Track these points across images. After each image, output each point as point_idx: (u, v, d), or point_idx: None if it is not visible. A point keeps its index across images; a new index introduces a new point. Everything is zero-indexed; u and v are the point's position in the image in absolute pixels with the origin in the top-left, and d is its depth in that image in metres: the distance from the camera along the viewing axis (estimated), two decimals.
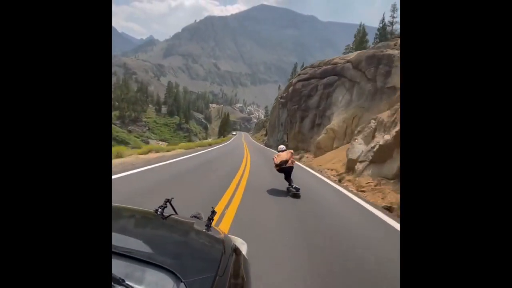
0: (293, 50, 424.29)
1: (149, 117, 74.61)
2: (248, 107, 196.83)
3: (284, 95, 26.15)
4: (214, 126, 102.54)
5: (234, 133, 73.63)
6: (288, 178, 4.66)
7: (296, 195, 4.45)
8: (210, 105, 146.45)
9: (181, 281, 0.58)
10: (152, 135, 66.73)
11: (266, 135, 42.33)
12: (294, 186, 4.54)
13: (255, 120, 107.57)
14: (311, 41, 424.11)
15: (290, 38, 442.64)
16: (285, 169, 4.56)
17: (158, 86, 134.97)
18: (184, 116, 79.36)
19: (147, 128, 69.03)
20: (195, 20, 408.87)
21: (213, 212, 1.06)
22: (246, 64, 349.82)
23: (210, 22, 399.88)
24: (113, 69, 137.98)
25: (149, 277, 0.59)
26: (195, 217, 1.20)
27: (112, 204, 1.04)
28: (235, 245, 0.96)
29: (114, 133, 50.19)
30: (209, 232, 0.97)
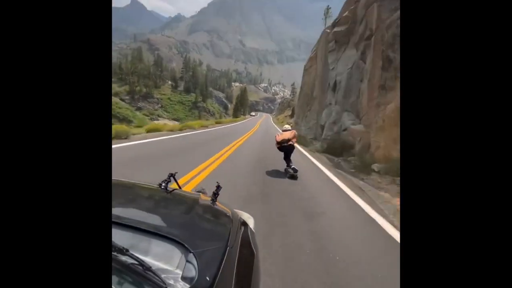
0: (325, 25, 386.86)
1: (163, 94, 68.34)
2: (273, 87, 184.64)
3: (350, 9, 9.37)
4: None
5: (253, 113, 64.66)
6: (287, 158, 4.49)
7: (293, 176, 4.20)
8: (233, 83, 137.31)
9: (190, 252, 0.55)
10: (164, 113, 60.51)
11: (292, 116, 32.55)
12: (292, 167, 4.33)
13: (278, 105, 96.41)
14: None
15: (323, 11, 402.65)
16: (285, 147, 4.41)
17: (180, 63, 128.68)
18: (201, 94, 71.82)
19: (159, 105, 62.88)
20: None
21: (218, 187, 1.02)
22: (273, 40, 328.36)
23: None
24: (137, 44, 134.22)
25: (155, 248, 0.57)
26: (200, 192, 1.16)
27: (117, 179, 1.03)
28: (242, 219, 0.94)
29: (116, 109, 44.24)
30: (214, 206, 0.94)
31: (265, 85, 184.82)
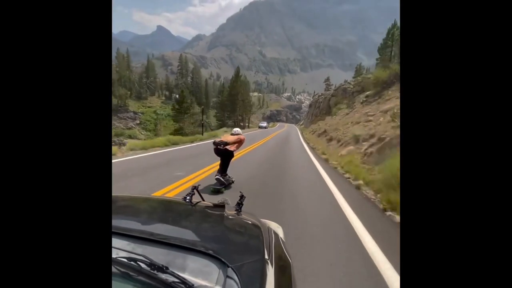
0: (350, 28, 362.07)
1: (148, 106, 51.64)
2: (297, 96, 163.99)
3: None
4: (253, 118, 74.86)
5: (263, 124, 39.72)
6: (222, 166, 3.83)
7: (216, 190, 3.56)
8: (251, 94, 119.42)
9: (228, 266, 0.54)
10: (142, 132, 42.66)
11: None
12: (217, 177, 3.69)
13: (307, 109, 72.04)
14: (374, 14, 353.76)
15: (347, 14, 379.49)
16: (221, 151, 3.89)
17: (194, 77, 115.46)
18: (198, 104, 53.46)
19: (136, 121, 45.60)
20: (240, 9, 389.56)
21: (242, 197, 1.01)
22: (294, 49, 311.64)
23: (255, 8, 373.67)
24: (151, 62, 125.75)
25: (192, 264, 0.56)
26: (223, 203, 1.16)
27: (140, 195, 1.08)
28: (272, 228, 0.93)
29: None
30: (242, 217, 0.93)
31: (289, 94, 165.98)
